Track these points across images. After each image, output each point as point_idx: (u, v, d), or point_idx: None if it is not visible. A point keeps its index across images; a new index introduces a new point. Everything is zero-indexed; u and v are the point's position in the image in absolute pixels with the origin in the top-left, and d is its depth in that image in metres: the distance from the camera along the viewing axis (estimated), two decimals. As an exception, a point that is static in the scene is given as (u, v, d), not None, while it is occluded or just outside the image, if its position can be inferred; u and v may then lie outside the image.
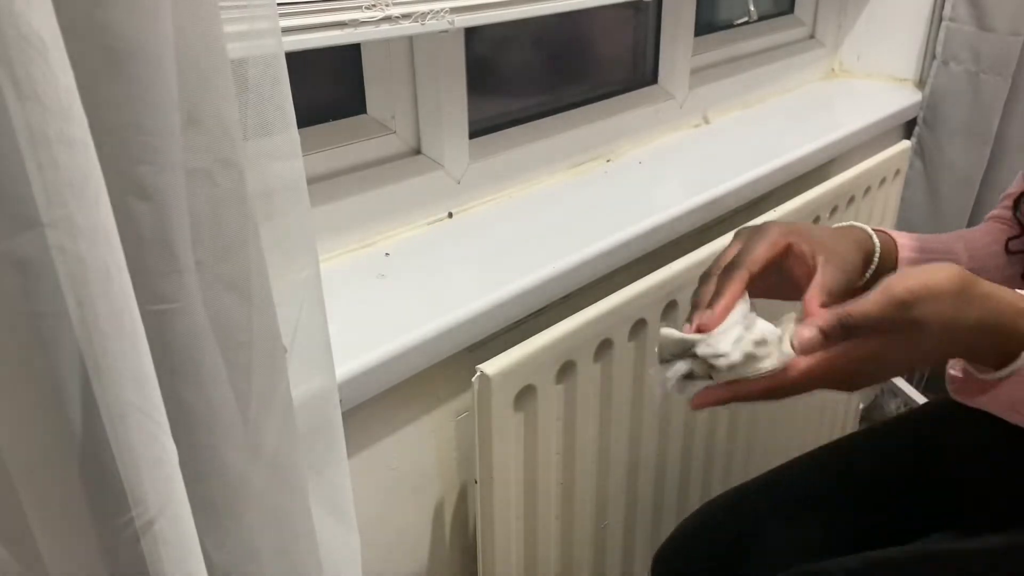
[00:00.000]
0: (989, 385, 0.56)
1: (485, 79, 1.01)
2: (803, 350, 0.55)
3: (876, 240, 0.70)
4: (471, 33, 0.92)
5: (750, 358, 0.54)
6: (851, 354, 0.54)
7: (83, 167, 0.33)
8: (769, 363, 0.54)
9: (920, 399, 1.67)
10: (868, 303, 0.54)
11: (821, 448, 0.88)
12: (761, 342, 0.55)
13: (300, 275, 0.52)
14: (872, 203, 1.28)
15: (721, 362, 0.55)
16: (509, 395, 0.76)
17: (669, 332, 0.57)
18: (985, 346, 0.55)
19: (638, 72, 1.26)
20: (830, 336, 0.54)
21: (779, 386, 0.55)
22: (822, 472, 0.85)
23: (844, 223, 0.71)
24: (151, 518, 0.38)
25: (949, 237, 0.79)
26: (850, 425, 1.51)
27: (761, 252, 0.61)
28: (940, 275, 0.54)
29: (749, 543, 0.81)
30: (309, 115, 0.86)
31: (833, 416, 1.43)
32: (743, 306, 0.58)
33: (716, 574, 0.81)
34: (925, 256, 0.74)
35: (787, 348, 0.55)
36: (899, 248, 0.73)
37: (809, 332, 0.54)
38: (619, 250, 0.91)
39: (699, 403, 0.57)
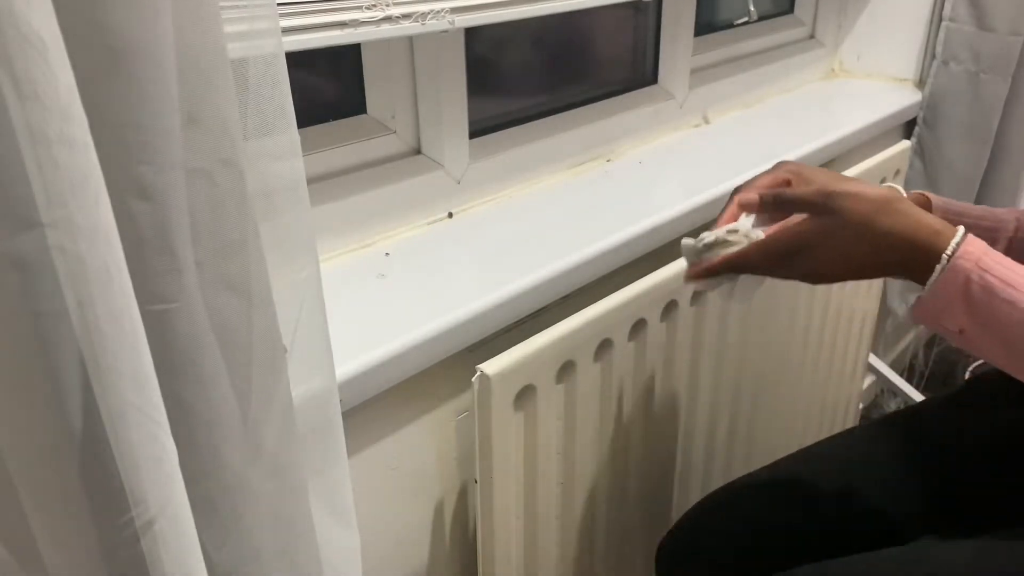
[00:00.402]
0: (920, 300, 0.64)
1: (485, 79, 1.01)
2: (739, 204, 0.72)
3: (903, 195, 0.73)
4: (471, 33, 0.92)
5: (724, 242, 0.70)
6: (786, 232, 0.67)
7: (83, 167, 0.33)
8: (739, 247, 0.70)
9: (918, 397, 1.67)
10: (802, 189, 0.69)
11: (821, 442, 0.89)
12: (733, 231, 0.70)
13: (300, 275, 0.52)
14: (872, 203, 1.28)
15: (700, 245, 0.71)
16: (509, 395, 0.76)
17: (686, 240, 0.73)
18: (904, 259, 0.64)
19: (638, 72, 1.26)
20: (764, 200, 0.70)
21: (735, 257, 0.69)
22: (821, 467, 0.85)
23: (885, 184, 0.77)
24: (151, 518, 0.38)
25: (1004, 209, 0.81)
26: (850, 424, 1.51)
27: (763, 181, 0.73)
28: (871, 188, 0.66)
29: (749, 536, 0.81)
30: (309, 115, 0.86)
31: (833, 416, 1.43)
32: (744, 219, 0.71)
33: (718, 567, 0.81)
34: (954, 217, 0.76)
35: (754, 234, 0.70)
36: (933, 209, 0.76)
37: (749, 194, 0.71)
38: (619, 250, 0.91)
39: (687, 275, 0.73)
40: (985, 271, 0.61)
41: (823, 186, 0.66)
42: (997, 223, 0.78)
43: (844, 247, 0.65)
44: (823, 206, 0.65)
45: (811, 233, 0.66)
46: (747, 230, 0.70)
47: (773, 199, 0.70)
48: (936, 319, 0.64)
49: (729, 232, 0.70)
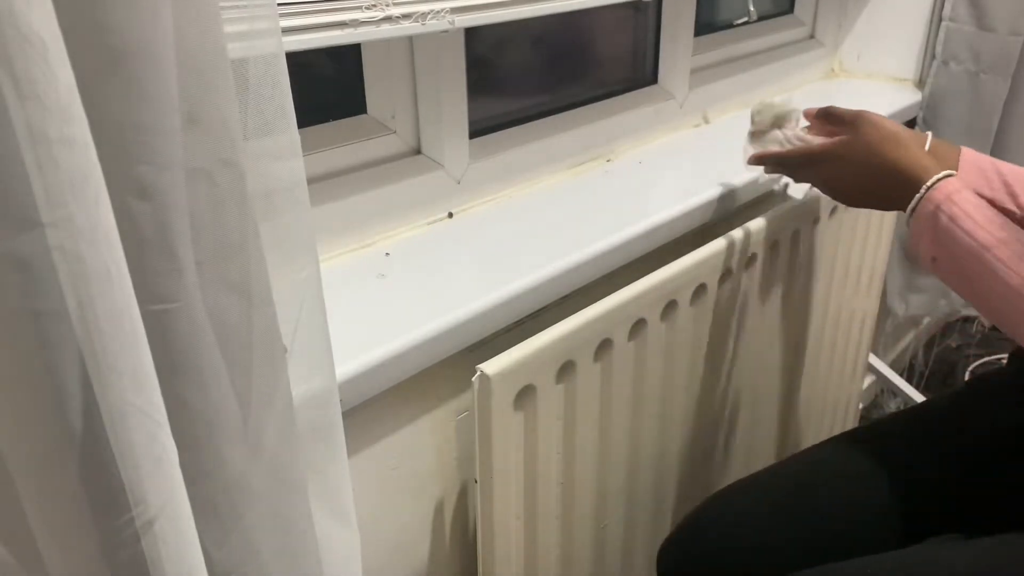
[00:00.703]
0: (910, 232, 0.72)
1: (485, 79, 1.01)
2: (805, 114, 0.88)
3: (928, 138, 0.80)
4: (471, 33, 0.92)
5: (771, 105, 0.91)
6: (823, 142, 0.82)
7: (83, 167, 0.33)
8: (785, 114, 0.89)
9: (919, 397, 1.67)
10: (847, 109, 0.82)
11: (821, 444, 0.89)
12: (806, 128, 0.89)
13: (300, 275, 0.52)
14: (872, 203, 1.28)
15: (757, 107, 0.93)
16: (509, 395, 0.76)
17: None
18: (896, 189, 0.72)
19: (638, 72, 1.26)
20: (818, 112, 0.86)
21: (787, 154, 0.86)
22: (822, 469, 0.85)
23: (925, 132, 0.84)
24: (151, 518, 0.38)
25: None
26: (850, 424, 1.51)
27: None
28: (894, 125, 0.78)
29: (750, 538, 0.81)
30: (309, 115, 0.86)
31: (833, 416, 1.43)
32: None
33: (720, 569, 0.81)
34: (970, 167, 0.78)
35: (798, 105, 0.89)
36: (961, 152, 0.80)
37: (813, 108, 0.87)
38: (619, 250, 0.91)
39: (746, 160, 0.91)
40: (954, 203, 0.67)
41: (862, 112, 0.78)
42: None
43: (853, 165, 0.76)
44: (851, 124, 0.78)
45: (836, 145, 0.78)
46: (797, 103, 0.89)
47: (826, 109, 0.84)
48: (916, 247, 0.71)
49: (800, 132, 0.88)
